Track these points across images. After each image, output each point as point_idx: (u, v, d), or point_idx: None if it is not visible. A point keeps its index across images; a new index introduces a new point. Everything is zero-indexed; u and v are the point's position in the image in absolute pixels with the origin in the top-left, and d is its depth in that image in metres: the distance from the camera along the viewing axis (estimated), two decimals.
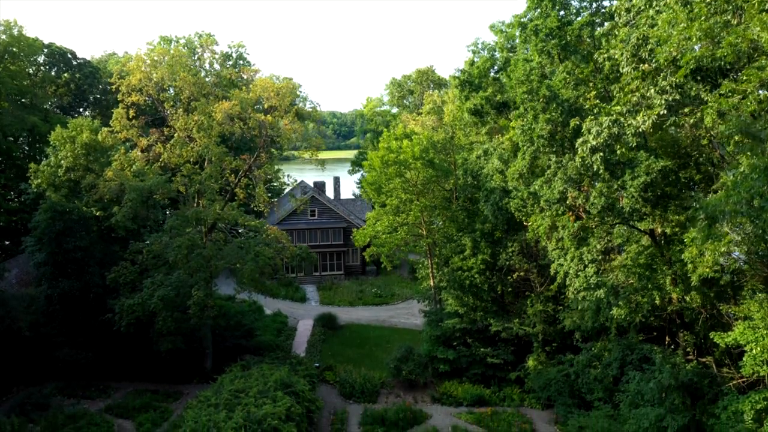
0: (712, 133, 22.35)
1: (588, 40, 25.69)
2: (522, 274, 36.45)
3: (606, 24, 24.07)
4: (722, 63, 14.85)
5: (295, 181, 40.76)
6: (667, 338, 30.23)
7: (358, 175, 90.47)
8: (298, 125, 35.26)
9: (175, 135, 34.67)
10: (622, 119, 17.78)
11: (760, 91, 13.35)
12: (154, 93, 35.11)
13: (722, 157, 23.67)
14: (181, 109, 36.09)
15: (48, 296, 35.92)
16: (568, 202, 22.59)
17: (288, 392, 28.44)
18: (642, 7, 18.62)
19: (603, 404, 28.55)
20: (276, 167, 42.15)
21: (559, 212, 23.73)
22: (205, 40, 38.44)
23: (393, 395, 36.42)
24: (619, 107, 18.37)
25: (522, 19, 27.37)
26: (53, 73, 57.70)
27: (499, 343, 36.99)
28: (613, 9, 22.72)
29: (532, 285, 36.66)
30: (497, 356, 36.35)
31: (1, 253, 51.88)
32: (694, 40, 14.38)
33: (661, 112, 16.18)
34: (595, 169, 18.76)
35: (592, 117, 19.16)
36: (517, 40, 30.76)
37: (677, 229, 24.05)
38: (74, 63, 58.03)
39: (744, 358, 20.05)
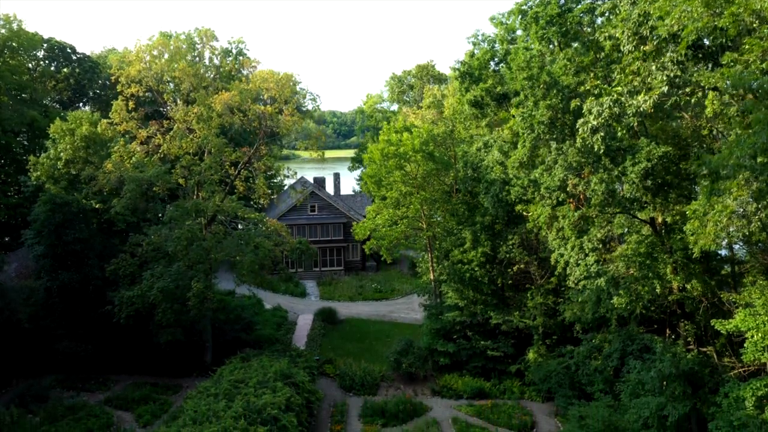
0: (713, 125, 22.32)
1: (588, 29, 25.63)
2: (522, 266, 36.41)
3: (607, 1, 23.88)
4: (723, 41, 14.76)
5: (295, 173, 40.65)
6: (667, 330, 30.18)
7: (357, 172, 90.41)
8: (298, 117, 35.19)
9: (175, 126, 34.60)
10: (623, 99, 17.71)
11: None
12: (154, 84, 35.02)
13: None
14: (180, 102, 36.03)
15: (47, 288, 35.83)
16: (568, 190, 22.51)
17: (288, 383, 28.38)
18: None
19: (604, 395, 28.50)
20: (276, 163, 42.01)
21: (560, 199, 23.65)
22: (205, 32, 38.24)
23: (393, 388, 36.38)
24: (620, 88, 18.30)
25: (523, 7, 27.30)
26: (53, 68, 57.63)
27: (499, 335, 36.96)
28: None
29: (532, 278, 36.63)
30: (497, 349, 36.33)
31: (0, 249, 51.80)
32: (695, 12, 14.26)
33: (663, 89, 16.09)
34: (595, 150, 18.65)
35: (593, 98, 19.10)
36: (518, 30, 30.68)
37: (678, 218, 23.99)
38: (74, 58, 57.93)
39: (745, 345, 19.99)
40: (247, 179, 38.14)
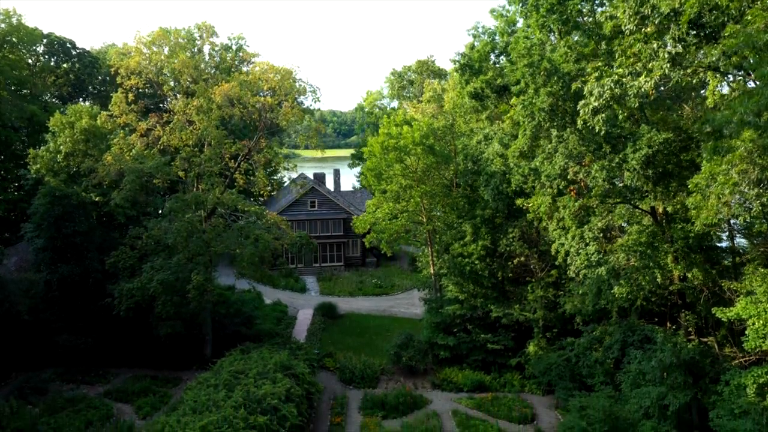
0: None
1: (589, 19, 25.57)
2: (522, 259, 36.35)
3: None
4: (725, 19, 14.66)
5: (295, 166, 40.61)
6: (668, 323, 30.13)
7: (357, 169, 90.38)
8: (298, 110, 35.13)
9: (175, 118, 34.54)
10: (624, 80, 17.64)
11: None
12: (153, 76, 34.96)
13: None
14: (180, 95, 35.98)
15: (47, 281, 35.79)
16: (569, 177, 22.44)
17: (288, 374, 28.34)
18: None
19: (604, 387, 28.44)
20: (276, 155, 41.94)
21: (561, 187, 23.59)
22: (205, 27, 38.16)
23: (393, 381, 36.34)
24: (621, 70, 18.24)
25: None
26: (52, 63, 57.55)
27: (499, 329, 36.90)
28: None
29: (532, 271, 36.57)
30: (497, 342, 36.26)
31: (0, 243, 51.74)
32: None
33: (665, 67, 16.01)
34: (597, 131, 18.58)
35: (594, 80, 19.02)
36: (519, 21, 30.63)
37: (679, 207, 23.94)
38: (74, 53, 57.85)
39: (746, 332, 19.94)
40: (246, 172, 38.08)
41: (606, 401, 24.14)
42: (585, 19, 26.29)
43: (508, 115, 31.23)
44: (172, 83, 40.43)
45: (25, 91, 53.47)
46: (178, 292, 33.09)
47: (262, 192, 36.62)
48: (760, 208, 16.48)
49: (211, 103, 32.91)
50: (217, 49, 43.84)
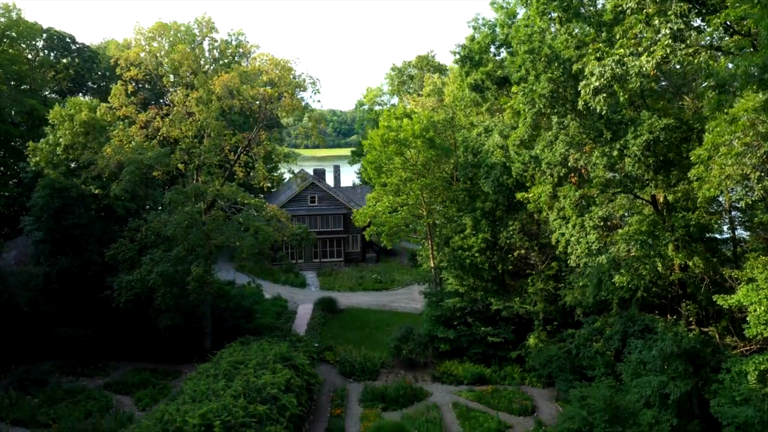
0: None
1: (591, 8, 25.47)
2: (522, 252, 36.31)
3: None
4: None
5: (295, 159, 40.54)
6: (668, 316, 30.06)
7: (357, 166, 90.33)
8: (298, 102, 35.05)
9: (174, 110, 34.46)
10: (626, 60, 17.55)
11: None
12: (153, 67, 34.88)
13: None
14: (180, 87, 35.89)
15: (46, 274, 35.72)
16: (570, 165, 22.36)
17: (287, 365, 28.29)
18: None
19: (605, 379, 28.37)
20: (276, 147, 41.87)
21: (561, 175, 23.50)
22: (205, 21, 38.02)
23: (393, 374, 36.31)
24: (622, 50, 18.16)
25: None
26: (52, 58, 57.36)
27: (499, 322, 36.85)
28: None
29: (532, 263, 36.53)
30: (498, 335, 36.21)
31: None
32: None
33: (666, 42, 15.92)
34: (598, 111, 18.48)
35: (596, 60, 18.91)
36: (519, 13, 30.56)
37: (680, 195, 23.87)
38: (73, 48, 57.62)
39: (748, 318, 19.87)
40: (246, 165, 37.99)
41: (607, 391, 24.04)
42: (586, 9, 26.19)
43: (509, 103, 31.14)
44: (172, 78, 40.33)
45: (24, 86, 53.31)
46: (177, 285, 33.04)
47: (261, 184, 36.56)
48: (762, 192, 16.40)
49: (210, 95, 32.84)
50: (216, 44, 43.73)
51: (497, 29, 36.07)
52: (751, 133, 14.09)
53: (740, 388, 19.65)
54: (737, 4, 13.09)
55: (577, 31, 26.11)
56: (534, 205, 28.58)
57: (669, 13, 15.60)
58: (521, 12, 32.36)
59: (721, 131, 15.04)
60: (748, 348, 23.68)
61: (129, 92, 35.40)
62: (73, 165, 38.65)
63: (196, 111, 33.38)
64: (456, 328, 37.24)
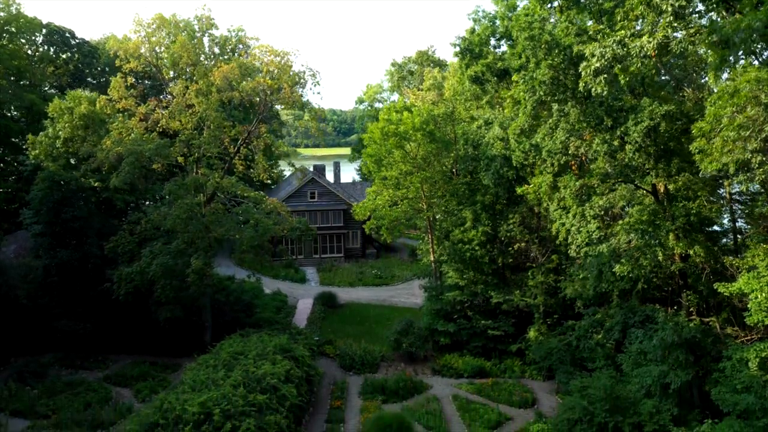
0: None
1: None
2: (523, 245, 36.29)
3: None
4: None
5: (295, 151, 40.48)
6: (669, 307, 30.03)
7: (357, 163, 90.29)
8: (297, 95, 34.98)
9: (174, 102, 34.40)
10: (627, 41, 17.48)
11: None
12: (152, 59, 34.81)
13: None
14: (179, 79, 35.82)
15: (46, 267, 35.64)
16: (570, 152, 22.31)
17: (287, 357, 28.24)
18: None
19: (605, 370, 28.31)
20: (275, 141, 41.80)
21: (562, 163, 23.44)
22: (205, 18, 37.95)
23: (393, 367, 36.25)
24: (623, 32, 18.09)
25: None
26: (52, 53, 57.29)
27: (499, 315, 36.80)
28: None
29: (533, 257, 36.49)
30: (498, 328, 36.16)
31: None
32: None
33: (668, 19, 15.83)
34: (599, 92, 18.41)
35: (596, 41, 18.83)
36: (519, 4, 30.51)
37: (680, 184, 23.82)
38: (73, 43, 57.60)
39: (749, 305, 19.81)
40: (246, 158, 37.92)
41: (607, 381, 24.00)
42: None
43: (509, 94, 31.10)
44: (171, 73, 40.26)
45: (24, 81, 53.22)
46: (177, 277, 32.96)
47: (261, 177, 36.47)
48: (763, 176, 16.33)
49: (210, 86, 32.77)
50: (216, 40, 43.61)
51: (497, 21, 36.05)
52: (753, 106, 14.02)
53: (741, 376, 19.59)
54: None
55: (578, 22, 26.10)
56: (534, 196, 28.54)
57: None
58: (521, 5, 32.33)
59: (723, 104, 15.00)
60: (749, 338, 23.65)
61: (128, 85, 35.34)
62: (72, 159, 38.56)
63: (196, 103, 33.32)
64: (456, 322, 37.19)
